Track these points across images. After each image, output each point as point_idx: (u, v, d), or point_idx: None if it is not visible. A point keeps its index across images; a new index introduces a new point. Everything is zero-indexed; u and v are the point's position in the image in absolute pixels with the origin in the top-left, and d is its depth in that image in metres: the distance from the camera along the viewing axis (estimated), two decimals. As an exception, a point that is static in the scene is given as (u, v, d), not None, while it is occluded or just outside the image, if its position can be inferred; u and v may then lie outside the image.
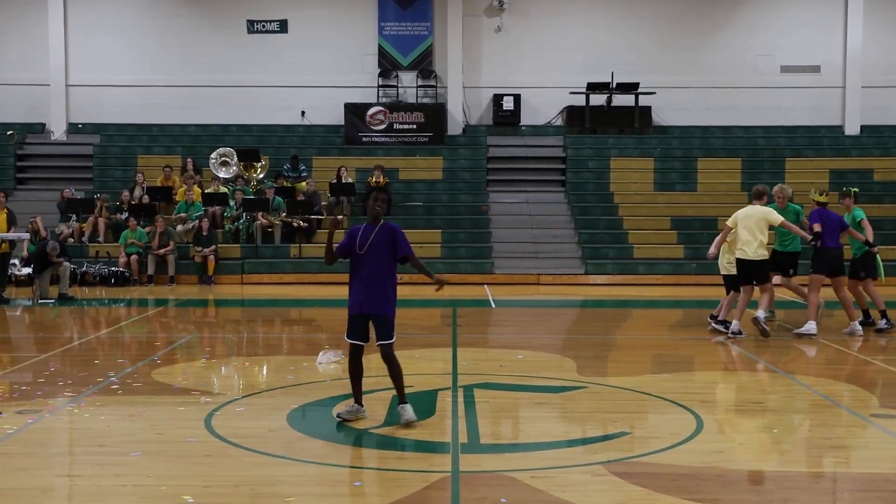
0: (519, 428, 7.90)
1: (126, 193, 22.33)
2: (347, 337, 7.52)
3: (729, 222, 12.28)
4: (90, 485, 6.09)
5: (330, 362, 10.26)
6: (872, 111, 26.16)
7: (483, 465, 6.49)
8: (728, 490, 5.97)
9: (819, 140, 25.85)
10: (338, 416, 7.56)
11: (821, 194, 12.80)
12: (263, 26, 26.39)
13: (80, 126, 26.44)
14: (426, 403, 8.26)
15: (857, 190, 13.61)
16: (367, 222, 7.60)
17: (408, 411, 7.43)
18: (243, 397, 8.63)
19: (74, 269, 18.78)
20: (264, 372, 10.27)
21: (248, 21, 26.37)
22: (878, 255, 12.85)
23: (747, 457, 6.86)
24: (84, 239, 21.26)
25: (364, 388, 8.84)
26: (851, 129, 26.21)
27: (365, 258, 7.41)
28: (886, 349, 11.67)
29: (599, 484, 6.06)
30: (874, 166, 24.45)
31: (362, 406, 7.61)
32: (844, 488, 6.20)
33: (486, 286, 19.48)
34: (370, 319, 7.44)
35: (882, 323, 12.72)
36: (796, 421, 8.01)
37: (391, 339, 7.45)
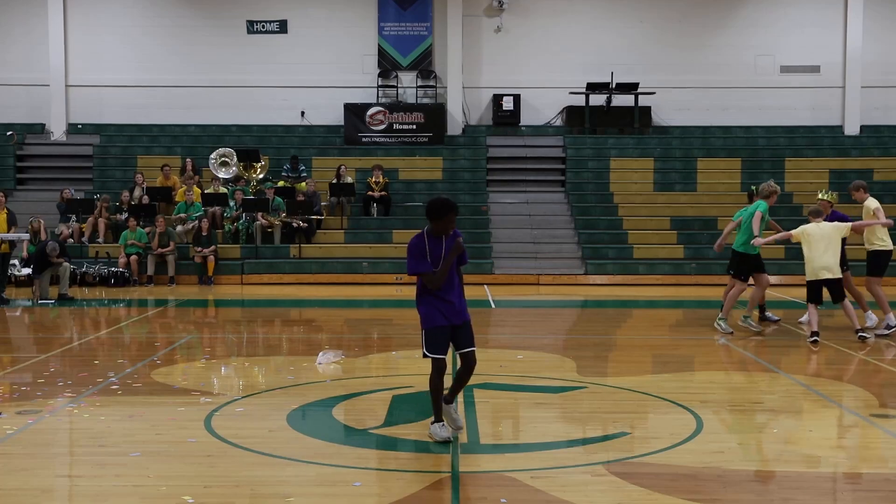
0: (519, 428, 7.90)
1: (126, 194, 22.34)
2: (435, 352, 6.95)
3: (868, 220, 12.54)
4: (90, 485, 6.09)
5: (330, 363, 10.26)
6: (872, 111, 26.18)
7: (483, 465, 6.49)
8: (728, 490, 5.97)
9: (819, 140, 25.86)
10: (444, 439, 6.97)
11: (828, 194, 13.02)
12: (263, 26, 26.39)
13: (79, 126, 26.45)
14: (426, 404, 8.24)
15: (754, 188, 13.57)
16: (430, 232, 7.10)
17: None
18: (243, 398, 8.63)
19: (74, 269, 18.78)
20: (264, 372, 10.26)
21: (247, 21, 26.37)
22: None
23: (747, 457, 6.86)
24: (84, 239, 21.26)
25: (365, 389, 8.85)
26: (851, 129, 26.21)
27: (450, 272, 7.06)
28: (886, 349, 11.66)
29: (599, 484, 6.06)
30: (874, 166, 24.44)
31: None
32: (845, 488, 6.20)
33: (485, 286, 19.48)
34: (456, 329, 7.04)
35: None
36: (796, 421, 8.01)
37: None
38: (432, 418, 7.13)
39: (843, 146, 25.54)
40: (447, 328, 6.98)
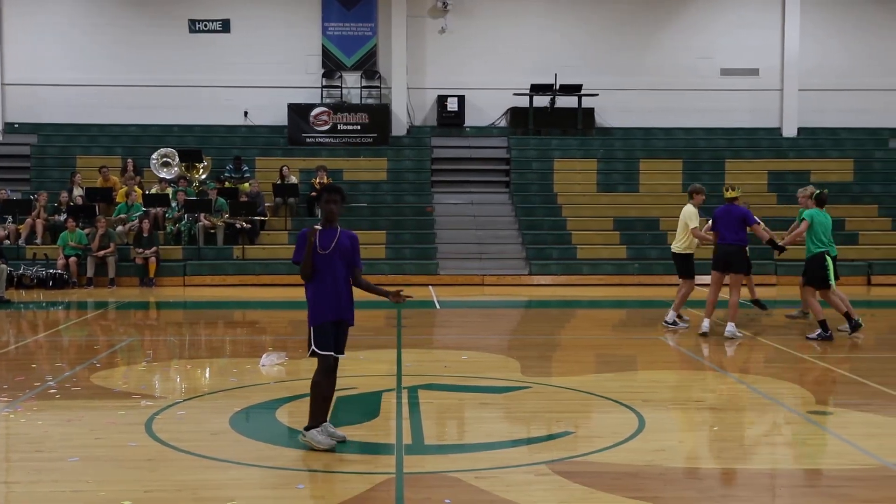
0: (463, 428, 7.92)
1: (65, 194, 21.94)
2: (325, 349, 6.76)
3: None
4: (27, 492, 5.98)
5: (273, 364, 10.19)
6: (810, 113, 26.65)
7: (427, 465, 6.49)
8: (669, 488, 6.05)
9: (758, 142, 26.28)
10: (330, 446, 6.74)
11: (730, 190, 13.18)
12: (206, 26, 26.11)
13: (16, 126, 25.93)
14: (370, 405, 8.24)
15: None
16: (322, 225, 6.86)
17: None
18: (185, 400, 8.53)
19: (11, 271, 18.40)
20: (207, 375, 10.17)
21: (189, 20, 26.06)
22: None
23: (688, 455, 6.95)
24: (21, 241, 20.84)
25: (309, 391, 8.77)
26: (789, 131, 26.68)
27: (331, 260, 6.79)
28: (823, 348, 11.88)
29: (543, 483, 6.10)
30: (811, 167, 24.90)
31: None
32: (783, 484, 6.31)
33: (430, 287, 19.48)
34: (339, 328, 6.87)
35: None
36: (736, 419, 8.13)
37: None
38: (307, 423, 6.84)
39: (780, 148, 25.99)
40: (336, 323, 6.84)
